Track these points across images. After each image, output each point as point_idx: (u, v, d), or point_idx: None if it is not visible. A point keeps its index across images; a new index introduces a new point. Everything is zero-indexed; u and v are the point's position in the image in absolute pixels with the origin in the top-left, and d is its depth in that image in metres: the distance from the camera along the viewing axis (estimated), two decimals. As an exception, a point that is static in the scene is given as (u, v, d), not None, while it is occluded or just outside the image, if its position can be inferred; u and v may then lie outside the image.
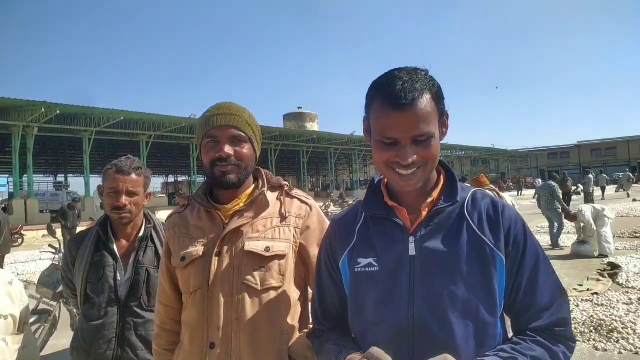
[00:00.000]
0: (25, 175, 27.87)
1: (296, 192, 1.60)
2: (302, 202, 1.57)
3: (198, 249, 1.47)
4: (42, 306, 4.86)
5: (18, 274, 10.51)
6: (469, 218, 1.14)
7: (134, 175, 2.05)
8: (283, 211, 1.52)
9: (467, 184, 1.26)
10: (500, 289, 1.10)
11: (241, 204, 1.51)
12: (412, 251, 1.13)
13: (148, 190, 2.16)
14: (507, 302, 1.12)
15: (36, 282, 4.98)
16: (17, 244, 16.75)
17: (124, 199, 2.01)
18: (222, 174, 1.46)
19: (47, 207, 30.26)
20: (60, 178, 51.61)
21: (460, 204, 1.17)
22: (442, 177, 1.21)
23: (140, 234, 2.12)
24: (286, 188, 1.58)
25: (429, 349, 1.03)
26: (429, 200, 1.16)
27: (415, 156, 1.07)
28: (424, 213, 1.15)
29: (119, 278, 2.02)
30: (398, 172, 1.10)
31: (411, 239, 1.14)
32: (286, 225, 1.50)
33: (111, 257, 2.04)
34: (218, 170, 1.46)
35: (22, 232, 17.42)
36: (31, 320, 4.52)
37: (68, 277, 2.18)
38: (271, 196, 1.55)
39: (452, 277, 1.08)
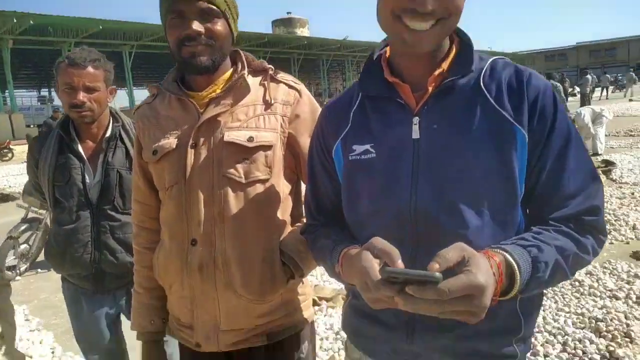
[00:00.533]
0: (6, 91, 27.01)
1: (282, 75, 1.39)
2: (290, 87, 1.37)
3: (170, 141, 1.32)
4: (31, 215, 4.96)
5: (10, 187, 10.66)
6: (485, 90, 0.95)
7: (90, 69, 1.80)
8: (267, 98, 1.34)
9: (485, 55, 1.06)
10: (521, 171, 0.94)
11: (218, 90, 1.33)
12: (415, 134, 0.96)
13: (111, 85, 1.93)
14: (526, 187, 0.96)
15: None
16: (7, 158, 16.66)
17: (82, 95, 1.79)
18: (192, 55, 1.25)
19: (33, 121, 29.83)
20: (45, 92, 50.29)
21: (476, 75, 0.97)
22: (454, 45, 1.00)
23: (108, 134, 1.93)
24: (271, 72, 1.37)
25: (437, 241, 0.89)
26: (437, 72, 0.96)
27: (437, 3, 0.86)
28: (431, 88, 0.96)
29: (87, 180, 1.88)
30: (408, 26, 0.88)
31: (415, 119, 0.97)
32: (272, 114, 1.33)
33: (77, 159, 1.88)
34: (186, 50, 1.25)
35: (11, 146, 17.17)
36: (22, 228, 4.81)
37: (35, 181, 2.06)
38: (253, 81, 1.35)
39: (463, 160, 0.92)
